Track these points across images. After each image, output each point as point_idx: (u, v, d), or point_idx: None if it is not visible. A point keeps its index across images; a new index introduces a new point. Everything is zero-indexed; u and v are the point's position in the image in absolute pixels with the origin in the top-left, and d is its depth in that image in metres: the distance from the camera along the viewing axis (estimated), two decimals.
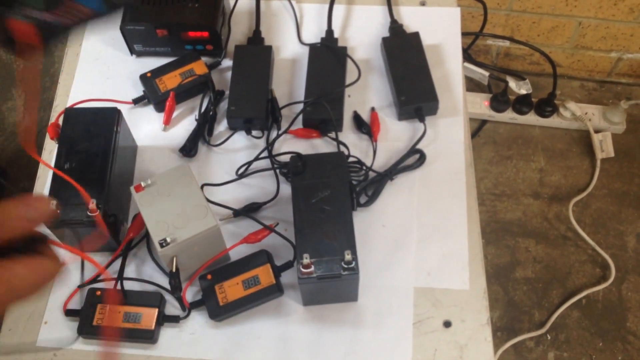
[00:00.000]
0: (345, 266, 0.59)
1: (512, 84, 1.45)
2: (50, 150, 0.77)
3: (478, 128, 1.56)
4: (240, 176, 0.75)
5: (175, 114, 0.80)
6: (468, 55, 1.58)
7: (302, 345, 0.66)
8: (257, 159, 0.76)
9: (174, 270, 0.63)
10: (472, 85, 1.58)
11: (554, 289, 1.37)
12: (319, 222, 0.62)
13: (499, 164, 1.52)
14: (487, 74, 1.48)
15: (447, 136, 0.77)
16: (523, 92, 1.46)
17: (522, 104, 1.52)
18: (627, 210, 1.45)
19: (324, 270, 0.59)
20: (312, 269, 0.59)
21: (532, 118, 1.54)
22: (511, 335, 1.31)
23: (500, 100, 1.52)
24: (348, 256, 0.59)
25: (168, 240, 0.61)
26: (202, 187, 0.73)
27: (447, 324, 0.66)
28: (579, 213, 1.44)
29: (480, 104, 1.55)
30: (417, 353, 0.65)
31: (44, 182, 0.75)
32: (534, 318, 1.34)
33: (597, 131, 1.52)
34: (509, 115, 1.54)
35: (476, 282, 0.68)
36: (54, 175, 0.67)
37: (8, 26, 0.48)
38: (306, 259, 0.59)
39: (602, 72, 1.62)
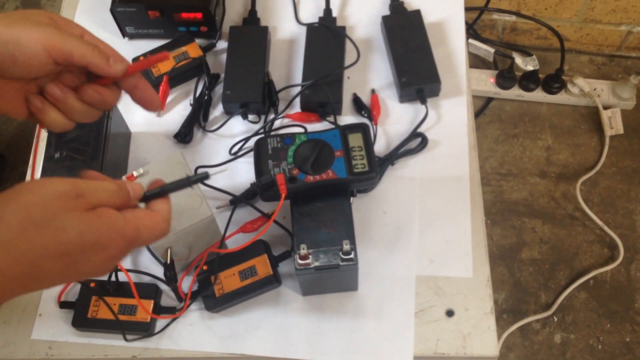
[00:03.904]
0: (344, 256, 0.57)
1: (519, 60, 1.41)
2: (44, 138, 0.75)
3: (483, 106, 1.52)
4: (235, 155, 0.73)
5: (169, 98, 0.78)
6: (473, 30, 1.54)
7: (302, 336, 0.64)
8: (255, 134, 0.74)
9: (168, 261, 0.62)
10: (477, 61, 1.54)
11: (561, 270, 1.35)
12: (317, 210, 0.60)
13: (505, 143, 1.48)
14: (492, 50, 1.44)
15: (450, 118, 0.75)
16: (530, 68, 1.42)
17: (528, 81, 1.49)
18: (637, 188, 1.42)
19: (322, 261, 0.57)
20: (310, 259, 0.57)
21: (539, 95, 1.50)
22: (517, 317, 1.29)
23: (506, 77, 1.48)
24: (346, 246, 0.57)
25: None
26: (196, 169, 0.71)
27: (450, 313, 0.65)
28: (587, 192, 1.42)
29: (486, 81, 1.51)
30: (419, 343, 0.63)
31: (38, 172, 0.74)
32: (540, 300, 1.32)
33: (606, 107, 1.48)
34: (515, 92, 1.51)
35: (480, 270, 0.67)
36: (44, 166, 0.65)
37: None
38: (303, 250, 0.57)
39: (611, 46, 1.57)
